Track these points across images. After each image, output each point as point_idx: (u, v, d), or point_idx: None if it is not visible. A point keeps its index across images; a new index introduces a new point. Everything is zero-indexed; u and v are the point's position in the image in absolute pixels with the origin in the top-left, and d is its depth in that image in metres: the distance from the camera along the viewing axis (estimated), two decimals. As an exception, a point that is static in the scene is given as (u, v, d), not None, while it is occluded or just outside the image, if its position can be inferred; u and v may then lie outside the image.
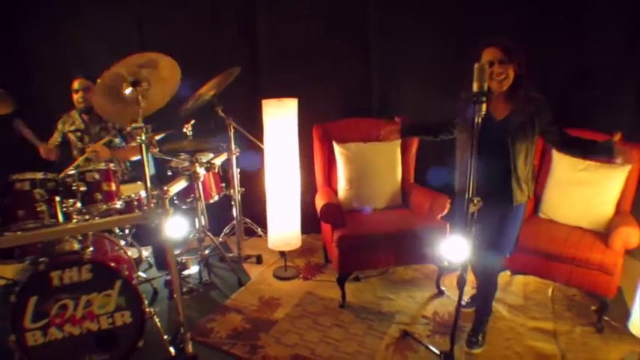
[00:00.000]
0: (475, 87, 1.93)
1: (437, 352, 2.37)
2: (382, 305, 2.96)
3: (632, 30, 3.18)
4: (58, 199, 2.38)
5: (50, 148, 3.10)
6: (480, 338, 2.50)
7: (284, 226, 3.26)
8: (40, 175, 2.38)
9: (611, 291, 2.54)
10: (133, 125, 2.22)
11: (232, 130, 3.24)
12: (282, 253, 3.50)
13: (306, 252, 3.67)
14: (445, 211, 3.04)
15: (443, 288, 3.08)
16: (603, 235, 2.73)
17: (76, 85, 3.11)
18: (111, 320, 2.34)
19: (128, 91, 2.30)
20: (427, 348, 2.46)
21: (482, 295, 2.52)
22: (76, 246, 2.44)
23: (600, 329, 2.60)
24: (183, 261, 3.27)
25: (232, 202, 3.47)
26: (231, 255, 3.55)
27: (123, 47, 3.53)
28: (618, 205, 2.81)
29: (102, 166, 2.55)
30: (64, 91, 3.17)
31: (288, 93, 3.22)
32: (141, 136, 2.22)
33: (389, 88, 3.73)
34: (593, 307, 2.77)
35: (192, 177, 2.84)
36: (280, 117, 3.10)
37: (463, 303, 2.91)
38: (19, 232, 2.26)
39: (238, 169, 3.43)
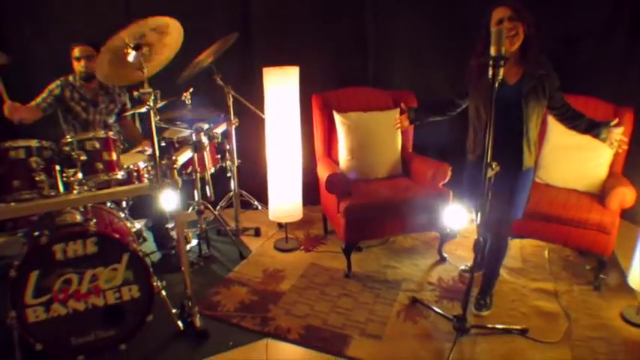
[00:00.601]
0: (493, 50, 1.94)
1: (449, 316, 2.44)
2: (387, 274, 3.00)
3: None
4: (58, 167, 2.26)
5: (29, 108, 2.86)
6: (487, 301, 2.58)
7: (285, 198, 3.22)
8: (34, 143, 2.22)
9: (608, 250, 2.66)
10: (141, 91, 2.12)
11: (231, 99, 3.15)
12: (281, 225, 3.49)
13: (304, 224, 3.64)
14: (447, 179, 3.10)
15: (445, 255, 3.14)
16: (598, 196, 2.85)
17: (77, 52, 2.93)
18: (118, 295, 2.26)
19: (132, 56, 2.19)
20: (437, 313, 2.53)
21: (493, 258, 2.59)
22: (79, 218, 2.34)
23: (597, 287, 2.73)
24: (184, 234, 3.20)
25: (229, 175, 3.41)
26: (228, 228, 3.51)
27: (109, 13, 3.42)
28: (611, 167, 2.93)
29: (101, 134, 2.44)
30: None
31: (282, 61, 3.12)
32: (149, 101, 2.13)
33: (383, 57, 3.71)
34: (587, 267, 2.91)
35: (198, 147, 2.75)
36: (282, 85, 3.02)
37: (464, 267, 3.03)
38: (13, 204, 2.13)
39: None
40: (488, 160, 2.04)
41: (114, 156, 2.46)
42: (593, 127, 2.31)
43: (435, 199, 2.97)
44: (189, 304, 2.46)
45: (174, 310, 2.47)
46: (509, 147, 2.30)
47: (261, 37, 3.62)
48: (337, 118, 3.25)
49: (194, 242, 3.22)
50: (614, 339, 2.33)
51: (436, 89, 3.56)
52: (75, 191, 2.28)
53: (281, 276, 3.00)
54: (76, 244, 2.15)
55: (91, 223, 2.28)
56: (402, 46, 3.66)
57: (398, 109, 3.31)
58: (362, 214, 2.87)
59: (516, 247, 3.23)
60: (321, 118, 3.32)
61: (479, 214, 2.13)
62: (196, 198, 3.13)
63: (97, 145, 2.39)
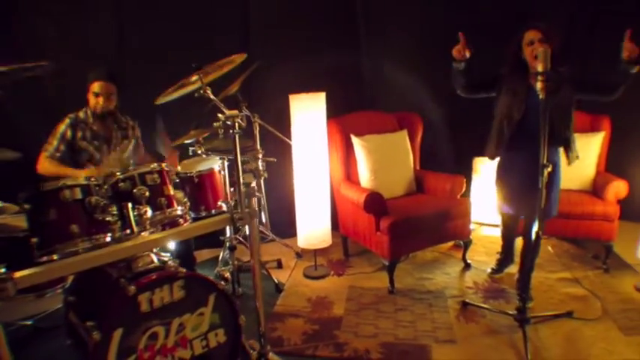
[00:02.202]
0: (541, 67, 2.31)
1: (506, 312, 2.74)
2: (426, 285, 3.19)
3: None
4: (130, 205, 2.15)
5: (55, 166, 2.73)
6: (529, 294, 2.97)
7: (315, 224, 3.30)
8: (82, 180, 2.08)
9: (613, 235, 3.16)
10: (229, 113, 2.10)
11: (258, 128, 3.19)
12: (299, 255, 3.58)
13: (320, 251, 3.73)
14: (463, 190, 3.48)
15: (469, 261, 3.45)
16: (591, 192, 3.37)
17: (96, 87, 2.73)
18: (205, 342, 2.13)
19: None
20: (493, 311, 2.78)
21: (531, 256, 2.97)
22: (155, 260, 2.23)
23: (607, 269, 3.21)
24: (220, 272, 3.13)
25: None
26: (247, 262, 3.47)
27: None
28: (597, 166, 3.49)
29: (154, 167, 2.37)
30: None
31: (286, 89, 3.26)
32: (236, 126, 2.13)
33: (378, 81, 4.05)
34: (590, 255, 3.46)
35: (256, 174, 2.74)
36: (310, 110, 3.13)
37: (489, 270, 3.39)
38: (85, 252, 1.95)
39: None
40: (544, 162, 2.42)
41: (171, 190, 2.40)
42: (623, 73, 2.43)
43: (458, 209, 3.31)
44: (262, 343, 2.44)
45: (252, 351, 2.45)
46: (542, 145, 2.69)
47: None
48: (356, 141, 3.46)
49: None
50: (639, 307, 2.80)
51: (427, 107, 3.99)
52: (147, 230, 2.20)
53: (328, 302, 3.06)
54: (163, 290, 2.00)
55: (171, 264, 2.20)
56: (395, 70, 4.03)
57: (406, 130, 3.66)
58: (404, 230, 3.04)
59: (520, 245, 3.69)
60: (339, 143, 3.50)
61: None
62: (228, 233, 3.10)
63: (158, 179, 2.33)
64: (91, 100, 2.80)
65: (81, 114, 2.86)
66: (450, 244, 3.71)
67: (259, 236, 3.49)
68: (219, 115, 2.15)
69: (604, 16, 3.78)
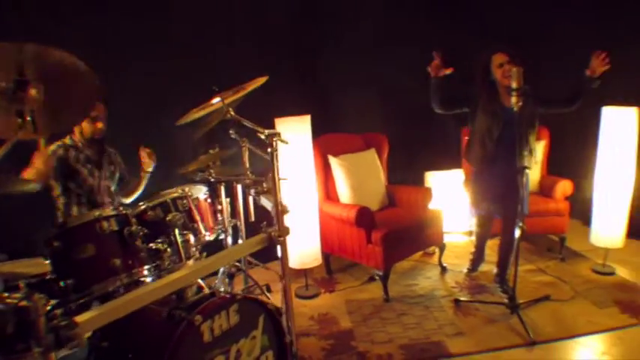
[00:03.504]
0: (515, 84, 2.85)
1: (497, 301, 3.21)
2: (416, 290, 3.57)
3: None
4: (177, 232, 2.20)
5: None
6: (509, 285, 3.47)
7: (307, 244, 3.51)
8: (109, 211, 2.06)
9: (565, 228, 3.86)
10: (268, 132, 2.23)
11: (247, 152, 3.33)
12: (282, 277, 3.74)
13: (300, 272, 3.91)
14: (432, 199, 3.95)
15: (445, 264, 3.91)
16: (539, 193, 4.06)
17: (94, 111, 2.70)
18: None
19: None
20: (486, 303, 3.27)
21: (508, 251, 3.49)
22: (205, 286, 2.28)
23: (563, 259, 3.89)
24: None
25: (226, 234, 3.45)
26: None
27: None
28: (541, 170, 4.21)
29: (180, 192, 2.44)
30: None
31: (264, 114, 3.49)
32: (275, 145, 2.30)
33: (340, 105, 4.44)
34: (545, 249, 4.13)
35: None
36: (296, 133, 3.36)
37: (466, 270, 3.87)
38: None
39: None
40: (523, 164, 2.96)
41: (197, 215, 2.50)
42: (584, 87, 3.01)
43: (433, 218, 3.77)
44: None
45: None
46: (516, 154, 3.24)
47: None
48: (334, 161, 3.76)
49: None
50: (601, 285, 3.45)
51: (380, 128, 4.44)
52: (193, 258, 2.26)
53: (331, 318, 3.27)
54: (221, 317, 2.05)
55: (221, 289, 2.28)
56: (348, 93, 4.44)
57: (374, 149, 4.06)
58: (394, 240, 3.40)
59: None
60: (320, 163, 3.77)
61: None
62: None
63: (187, 205, 2.41)
64: (85, 125, 2.76)
65: (67, 140, 2.79)
66: (421, 252, 4.12)
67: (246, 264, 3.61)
68: (260, 134, 2.31)
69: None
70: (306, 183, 3.49)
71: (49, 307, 1.72)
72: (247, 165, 3.33)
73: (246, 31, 4.03)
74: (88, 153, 2.84)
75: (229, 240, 3.21)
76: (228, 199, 3.24)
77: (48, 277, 2.05)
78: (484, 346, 2.84)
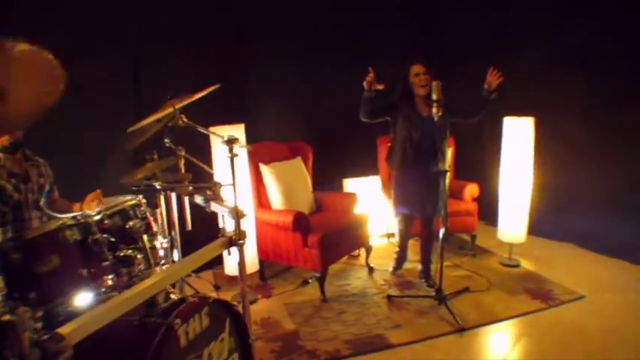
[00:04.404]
0: (435, 95, 3.29)
1: (426, 294, 3.65)
2: (349, 290, 3.87)
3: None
4: (145, 237, 2.23)
5: None
6: (433, 280, 3.90)
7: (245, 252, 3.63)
8: (68, 220, 2.04)
9: (475, 227, 4.44)
10: (227, 137, 2.43)
11: (183, 162, 3.35)
12: (217, 287, 3.82)
13: (233, 280, 4.02)
14: (357, 204, 4.29)
15: (372, 265, 4.27)
16: (450, 195, 4.62)
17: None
18: None
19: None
20: (416, 297, 3.68)
21: (430, 247, 3.92)
22: (173, 290, 2.31)
23: (474, 255, 4.46)
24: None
25: (168, 244, 3.48)
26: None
27: None
28: (450, 173, 4.80)
29: (138, 199, 2.47)
30: None
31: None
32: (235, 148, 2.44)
33: (262, 114, 4.63)
34: (456, 247, 4.67)
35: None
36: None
37: (391, 269, 4.26)
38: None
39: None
40: (445, 168, 3.42)
41: (153, 223, 2.54)
42: (484, 100, 3.50)
43: (360, 222, 4.11)
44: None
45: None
46: (433, 158, 3.68)
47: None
48: (265, 168, 3.94)
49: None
50: (510, 276, 4.03)
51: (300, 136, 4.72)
52: (162, 263, 2.31)
53: (274, 321, 3.42)
54: (195, 320, 2.11)
55: (188, 292, 2.34)
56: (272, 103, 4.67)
57: (300, 157, 4.32)
58: (330, 242, 3.67)
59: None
60: (252, 171, 3.92)
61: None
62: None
63: (144, 213, 2.43)
64: None
65: None
66: (346, 256, 4.44)
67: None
68: (220, 139, 2.45)
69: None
70: (242, 191, 3.62)
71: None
72: (183, 172, 3.38)
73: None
74: (8, 165, 2.68)
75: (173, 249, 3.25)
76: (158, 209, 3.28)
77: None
78: (420, 335, 3.21)
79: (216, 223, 3.96)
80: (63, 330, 1.52)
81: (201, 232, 3.91)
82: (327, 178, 4.89)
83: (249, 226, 3.69)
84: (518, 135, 4.09)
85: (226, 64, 4.39)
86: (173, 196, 3.46)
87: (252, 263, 3.77)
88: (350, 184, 5.03)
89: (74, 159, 3.45)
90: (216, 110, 3.95)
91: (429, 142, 3.58)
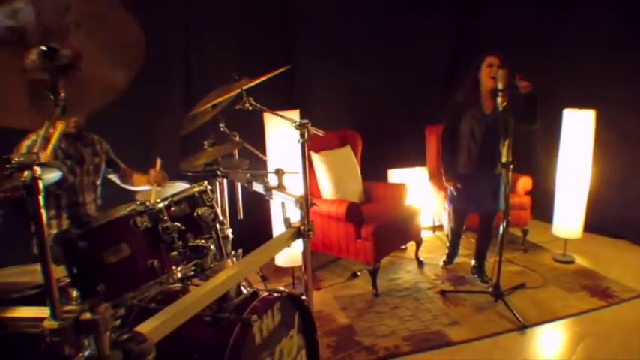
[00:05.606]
0: (500, 85, 3.19)
1: (483, 290, 3.58)
2: (400, 284, 3.84)
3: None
4: (218, 227, 2.14)
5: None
6: (488, 276, 3.84)
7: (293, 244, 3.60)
8: (138, 206, 1.88)
9: (527, 221, 4.35)
10: (300, 121, 2.39)
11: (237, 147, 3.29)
12: (264, 277, 3.80)
13: (284, 270, 3.98)
14: (408, 197, 4.23)
15: (421, 258, 4.23)
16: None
17: None
18: None
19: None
20: (471, 292, 3.63)
21: (487, 246, 3.86)
22: (244, 284, 2.26)
23: (526, 250, 4.39)
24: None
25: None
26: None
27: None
28: None
29: (203, 186, 2.41)
30: None
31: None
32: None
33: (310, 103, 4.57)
34: (506, 241, 4.59)
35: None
36: (286, 128, 3.44)
37: (442, 263, 4.20)
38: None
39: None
40: (508, 160, 3.32)
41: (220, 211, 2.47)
42: (528, 103, 3.37)
43: (412, 214, 4.05)
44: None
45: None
46: (497, 155, 3.60)
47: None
48: (316, 157, 3.89)
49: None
50: (565, 272, 3.96)
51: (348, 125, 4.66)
52: (233, 255, 2.24)
53: (327, 314, 3.42)
54: (268, 316, 2.07)
55: (258, 285, 2.27)
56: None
57: (349, 146, 4.26)
58: (383, 234, 3.64)
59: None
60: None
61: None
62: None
63: (211, 200, 2.33)
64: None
65: (34, 137, 2.57)
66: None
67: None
68: (292, 123, 2.38)
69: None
70: (294, 179, 3.56)
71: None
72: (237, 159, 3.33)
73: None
74: (64, 147, 2.65)
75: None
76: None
77: (62, 284, 1.88)
78: (480, 332, 3.16)
79: (262, 211, 3.95)
80: (142, 328, 1.44)
81: (247, 220, 3.90)
82: (372, 168, 4.82)
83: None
84: (578, 128, 3.97)
85: (275, 51, 4.33)
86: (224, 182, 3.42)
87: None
88: (394, 175, 4.96)
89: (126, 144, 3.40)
90: (267, 96, 3.90)
91: (493, 139, 3.49)
